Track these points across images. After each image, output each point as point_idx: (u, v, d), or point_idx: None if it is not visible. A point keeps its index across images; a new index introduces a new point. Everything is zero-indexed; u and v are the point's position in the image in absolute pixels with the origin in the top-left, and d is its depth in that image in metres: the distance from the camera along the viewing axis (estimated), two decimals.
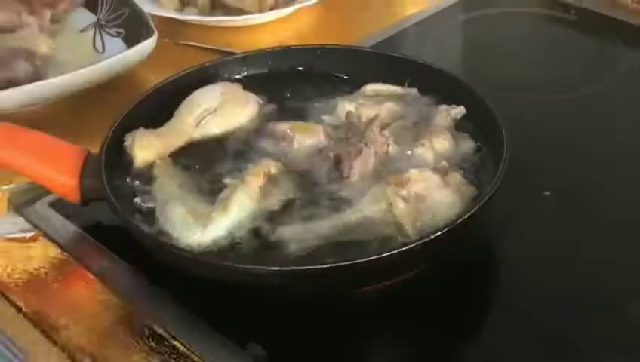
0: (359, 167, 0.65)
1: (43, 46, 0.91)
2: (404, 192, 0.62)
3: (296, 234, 0.61)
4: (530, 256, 0.66)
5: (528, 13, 1.07)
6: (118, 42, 0.96)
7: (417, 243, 0.57)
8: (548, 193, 0.72)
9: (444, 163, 0.67)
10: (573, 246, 0.67)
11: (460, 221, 0.59)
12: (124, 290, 0.64)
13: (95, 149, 0.69)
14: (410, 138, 0.69)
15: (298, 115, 0.75)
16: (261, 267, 0.57)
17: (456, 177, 0.65)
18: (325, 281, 0.58)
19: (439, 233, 0.58)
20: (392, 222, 0.62)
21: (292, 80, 0.81)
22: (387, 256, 0.57)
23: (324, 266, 0.56)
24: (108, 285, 0.65)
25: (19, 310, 0.63)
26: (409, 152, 0.68)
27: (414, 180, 0.63)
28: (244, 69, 0.82)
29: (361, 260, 0.56)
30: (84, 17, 1.02)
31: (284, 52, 0.83)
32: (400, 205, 0.62)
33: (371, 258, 0.56)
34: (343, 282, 0.60)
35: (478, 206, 0.60)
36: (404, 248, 0.57)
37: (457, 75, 0.75)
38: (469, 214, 0.59)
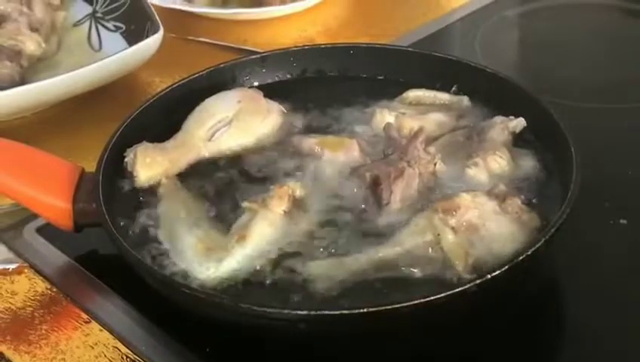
0: (400, 191, 0.65)
1: (31, 43, 0.91)
2: (453, 221, 0.62)
3: (324, 270, 0.61)
4: (604, 299, 0.65)
5: (595, 5, 1.05)
6: (117, 38, 0.96)
7: (471, 284, 0.56)
8: (624, 221, 0.71)
9: (502, 186, 0.66)
10: None
11: (521, 257, 0.57)
12: (124, 333, 0.63)
13: (90, 166, 0.68)
14: (461, 156, 0.69)
15: (328, 126, 0.75)
16: (285, 311, 0.56)
17: (515, 203, 0.64)
18: (356, 326, 0.57)
19: (497, 271, 0.57)
20: (440, 257, 0.61)
21: (320, 85, 0.80)
22: (434, 299, 0.55)
23: (360, 311, 0.55)
24: (104, 326, 0.64)
25: None
26: (459, 173, 0.68)
27: (466, 207, 0.62)
28: (265, 71, 0.81)
29: (403, 304, 0.55)
30: (78, 8, 1.02)
31: (311, 52, 0.82)
32: (449, 237, 0.61)
33: (415, 302, 0.55)
34: (377, 329, 0.58)
35: (543, 239, 0.58)
36: (454, 290, 0.56)
37: (515, 79, 0.75)
38: (533, 249, 0.58)
